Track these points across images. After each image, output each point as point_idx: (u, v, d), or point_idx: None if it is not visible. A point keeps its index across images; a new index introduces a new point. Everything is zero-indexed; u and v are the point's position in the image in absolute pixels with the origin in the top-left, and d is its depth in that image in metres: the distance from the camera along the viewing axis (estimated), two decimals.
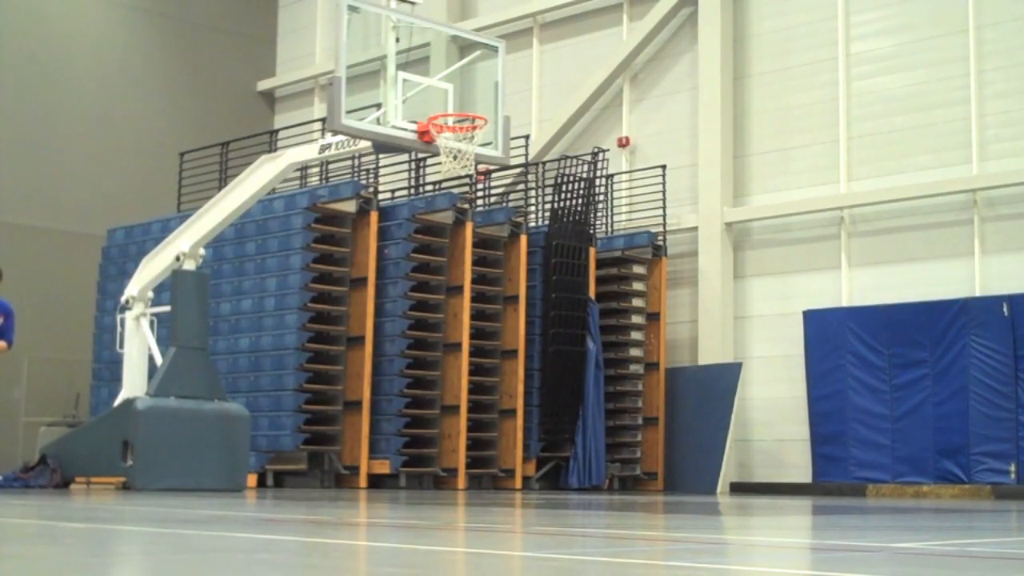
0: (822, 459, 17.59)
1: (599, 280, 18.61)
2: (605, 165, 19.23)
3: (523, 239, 17.90)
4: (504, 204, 19.59)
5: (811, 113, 18.61)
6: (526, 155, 19.19)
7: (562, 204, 18.15)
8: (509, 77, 14.64)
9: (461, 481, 16.91)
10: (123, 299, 14.65)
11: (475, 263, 17.42)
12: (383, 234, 16.97)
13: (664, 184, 19.25)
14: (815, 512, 10.89)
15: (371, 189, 17.18)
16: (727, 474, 17.94)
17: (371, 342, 16.60)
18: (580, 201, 18.28)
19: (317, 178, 19.08)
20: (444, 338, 17.10)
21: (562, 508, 10.70)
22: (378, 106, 12.17)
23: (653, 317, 19.01)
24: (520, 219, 18.12)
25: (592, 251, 18.34)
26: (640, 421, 18.91)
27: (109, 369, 18.24)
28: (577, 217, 18.22)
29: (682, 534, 6.90)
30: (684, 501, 13.32)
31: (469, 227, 17.20)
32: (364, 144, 12.75)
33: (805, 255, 18.49)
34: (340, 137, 12.78)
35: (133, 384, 14.15)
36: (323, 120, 15.54)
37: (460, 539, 6.26)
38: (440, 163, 12.61)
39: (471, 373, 17.19)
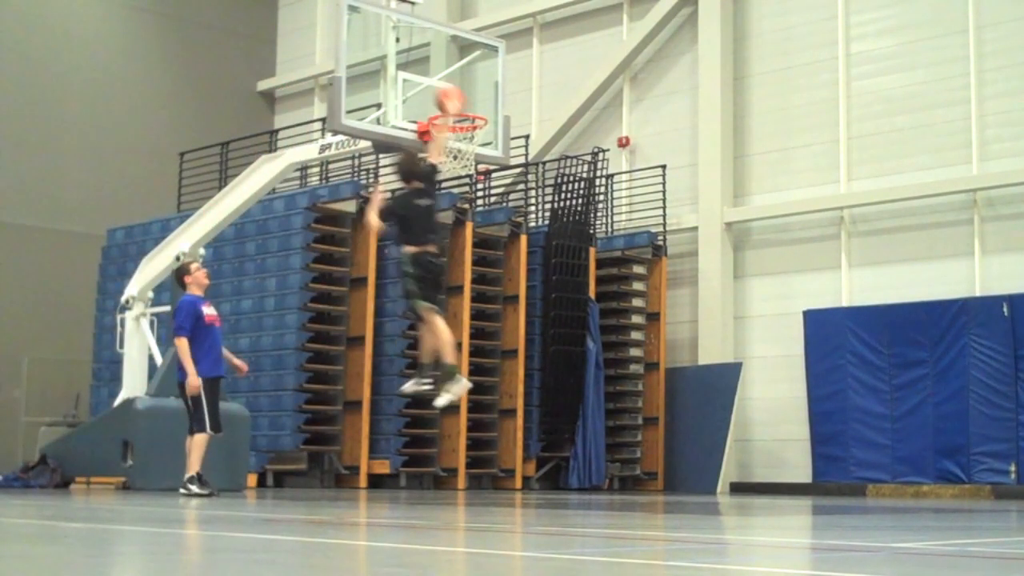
0: (822, 459, 17.57)
1: (599, 280, 18.61)
2: (605, 165, 19.22)
3: (523, 239, 17.90)
4: (504, 204, 19.57)
5: (811, 113, 18.60)
6: (526, 155, 19.17)
7: (562, 204, 18.15)
8: (509, 77, 14.61)
9: (461, 481, 16.91)
10: (123, 299, 14.65)
11: (475, 263, 17.42)
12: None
13: (664, 184, 19.24)
14: (815, 512, 10.89)
15: (371, 189, 17.16)
16: (727, 474, 17.93)
17: (371, 342, 16.60)
18: (580, 201, 18.27)
19: (317, 178, 19.08)
20: None
21: (562, 508, 10.70)
22: (378, 106, 12.16)
23: (653, 317, 19.00)
24: (520, 219, 18.11)
25: (592, 251, 18.34)
26: (640, 421, 18.91)
27: (109, 369, 18.24)
28: (577, 217, 18.21)
29: (682, 534, 6.90)
30: (684, 501, 13.32)
31: (469, 227, 17.20)
32: (364, 144, 12.74)
33: (805, 255, 18.48)
34: (340, 137, 12.78)
35: (133, 384, 14.15)
36: (323, 120, 15.55)
37: (460, 539, 6.26)
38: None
39: (471, 372, 17.16)
